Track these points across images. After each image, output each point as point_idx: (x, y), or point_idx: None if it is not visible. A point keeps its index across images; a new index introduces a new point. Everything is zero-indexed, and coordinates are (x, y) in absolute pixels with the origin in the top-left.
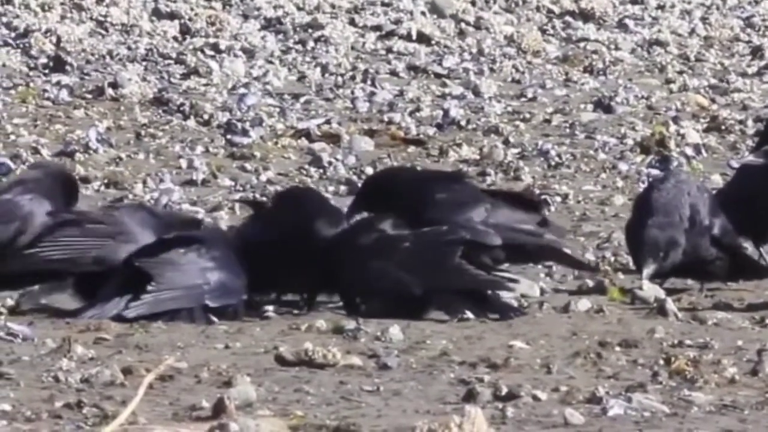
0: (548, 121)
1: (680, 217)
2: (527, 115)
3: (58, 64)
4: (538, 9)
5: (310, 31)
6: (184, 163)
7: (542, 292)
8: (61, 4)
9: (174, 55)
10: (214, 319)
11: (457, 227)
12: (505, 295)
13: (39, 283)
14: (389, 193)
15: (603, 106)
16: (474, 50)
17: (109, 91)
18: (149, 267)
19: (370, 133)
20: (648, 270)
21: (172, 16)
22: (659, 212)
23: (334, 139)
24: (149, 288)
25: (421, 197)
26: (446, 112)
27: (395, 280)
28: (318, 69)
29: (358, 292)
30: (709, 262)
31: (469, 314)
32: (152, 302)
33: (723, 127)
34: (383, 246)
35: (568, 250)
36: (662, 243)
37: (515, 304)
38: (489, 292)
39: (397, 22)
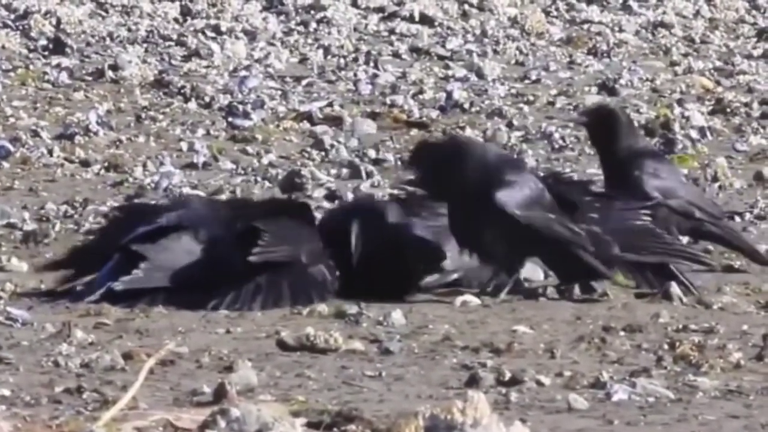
0: (552, 104)
1: None
2: (531, 98)
3: (57, 46)
4: None
5: (312, 12)
6: (184, 146)
7: (545, 275)
8: None
9: (175, 37)
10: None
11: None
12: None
13: None
14: None
15: (607, 88)
16: (477, 32)
17: (110, 74)
18: (144, 250)
19: (373, 116)
20: None
21: None
22: None
23: (336, 121)
24: (141, 265)
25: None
26: (449, 95)
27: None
28: (320, 51)
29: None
30: None
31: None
32: (142, 278)
33: (728, 110)
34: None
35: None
36: None
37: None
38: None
39: (400, 3)
